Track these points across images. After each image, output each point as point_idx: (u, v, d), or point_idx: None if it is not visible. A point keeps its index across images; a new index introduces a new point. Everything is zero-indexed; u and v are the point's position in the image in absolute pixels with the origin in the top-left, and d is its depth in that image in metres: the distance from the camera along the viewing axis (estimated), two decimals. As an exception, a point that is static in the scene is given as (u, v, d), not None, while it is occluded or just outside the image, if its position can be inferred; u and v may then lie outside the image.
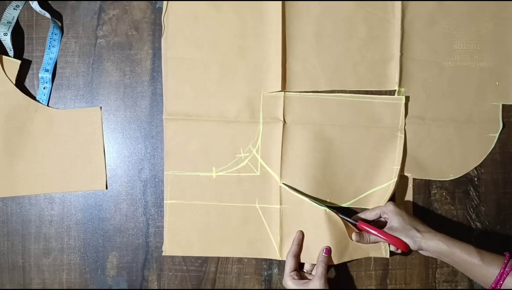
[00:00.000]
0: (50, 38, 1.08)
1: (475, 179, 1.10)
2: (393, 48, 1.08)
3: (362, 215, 1.06)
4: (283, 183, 1.07)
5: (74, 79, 1.09)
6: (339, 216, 1.03)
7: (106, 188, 1.09)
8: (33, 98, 1.08)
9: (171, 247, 1.08)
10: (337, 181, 1.08)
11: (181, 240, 1.08)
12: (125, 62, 1.09)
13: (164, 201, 1.08)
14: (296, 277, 1.01)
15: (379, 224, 1.04)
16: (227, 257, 1.09)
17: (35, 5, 1.06)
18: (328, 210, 1.03)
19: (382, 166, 1.07)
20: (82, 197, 1.09)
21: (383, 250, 1.05)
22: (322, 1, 1.08)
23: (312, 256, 1.03)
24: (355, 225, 1.03)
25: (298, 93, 1.07)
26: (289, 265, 1.02)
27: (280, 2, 1.06)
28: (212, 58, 1.07)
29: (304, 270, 1.05)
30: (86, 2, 1.09)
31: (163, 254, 1.08)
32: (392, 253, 1.06)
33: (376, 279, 1.10)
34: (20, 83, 1.08)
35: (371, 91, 1.08)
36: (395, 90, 1.08)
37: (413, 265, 1.09)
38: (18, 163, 1.07)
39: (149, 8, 1.09)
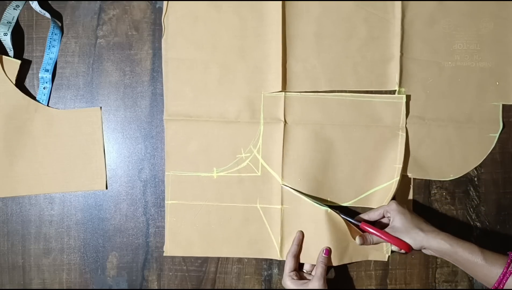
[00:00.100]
0: (50, 38, 1.08)
1: (475, 179, 1.10)
2: (393, 48, 1.08)
3: (365, 215, 1.05)
4: (284, 184, 1.07)
5: (74, 79, 1.09)
6: (342, 217, 1.03)
7: (106, 188, 1.09)
8: (33, 98, 1.08)
9: (172, 248, 1.08)
10: (338, 181, 1.08)
11: (182, 240, 1.08)
12: (125, 62, 1.09)
13: (165, 202, 1.08)
14: (295, 278, 1.01)
15: (381, 224, 1.04)
16: (227, 257, 1.09)
17: (35, 5, 1.06)
18: (329, 210, 1.03)
19: (383, 166, 1.07)
20: (82, 197, 1.09)
21: (384, 252, 1.05)
22: (322, 1, 1.08)
23: (312, 257, 1.03)
24: (357, 226, 1.03)
25: (298, 93, 1.07)
26: (289, 265, 1.02)
27: (280, 2, 1.06)
28: (212, 59, 1.07)
29: (304, 271, 1.05)
30: (86, 2, 1.09)
31: (164, 254, 1.08)
32: (393, 252, 1.06)
33: (376, 279, 1.10)
34: (20, 83, 1.08)
35: (371, 91, 1.08)
36: (395, 90, 1.08)
37: (413, 265, 1.09)
38: (18, 163, 1.07)
39: (149, 8, 1.09)
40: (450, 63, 1.09)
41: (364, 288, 1.10)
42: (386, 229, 1.00)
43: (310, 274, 1.03)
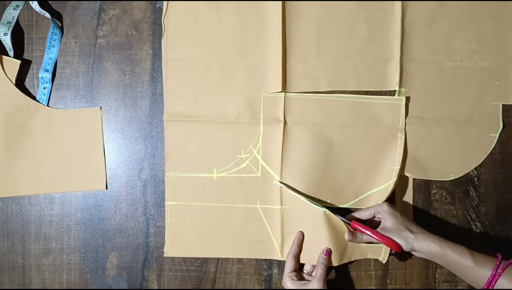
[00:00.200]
0: (50, 38, 1.08)
1: (475, 179, 1.10)
2: (393, 48, 1.08)
3: (356, 214, 1.05)
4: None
5: (74, 79, 1.09)
6: (333, 215, 1.03)
7: (106, 188, 1.09)
8: (33, 98, 1.08)
9: (172, 249, 1.08)
10: (338, 182, 1.08)
11: (182, 241, 1.08)
12: (125, 62, 1.09)
13: (165, 203, 1.08)
14: (295, 278, 1.01)
15: (373, 224, 1.04)
16: (227, 257, 1.09)
17: (35, 5, 1.06)
18: (327, 211, 1.02)
19: (383, 167, 1.07)
20: (82, 197, 1.09)
21: (382, 253, 1.04)
22: (322, 1, 1.08)
23: (312, 257, 1.03)
24: (349, 225, 1.03)
25: (298, 94, 1.07)
26: (289, 266, 1.02)
27: (280, 2, 1.06)
28: (212, 59, 1.07)
29: (304, 271, 1.05)
30: (86, 2, 1.09)
31: (165, 255, 1.08)
32: (391, 255, 1.06)
33: (376, 279, 1.10)
34: (20, 83, 1.08)
35: (371, 91, 1.08)
36: (396, 90, 1.08)
37: (413, 265, 1.09)
38: (18, 163, 1.07)
39: (149, 8, 1.09)
40: (450, 63, 1.09)
41: (364, 288, 1.10)
42: (377, 229, 1.00)
43: (311, 274, 1.03)
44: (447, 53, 1.09)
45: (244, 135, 1.07)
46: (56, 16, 1.09)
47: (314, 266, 1.03)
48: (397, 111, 1.07)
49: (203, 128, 1.07)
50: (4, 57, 1.07)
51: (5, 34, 1.06)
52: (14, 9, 1.07)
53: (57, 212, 1.09)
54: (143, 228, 1.09)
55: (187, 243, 1.08)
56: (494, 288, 0.91)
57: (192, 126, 1.07)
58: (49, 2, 1.09)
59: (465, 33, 1.09)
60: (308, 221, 1.05)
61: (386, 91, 1.08)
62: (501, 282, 0.91)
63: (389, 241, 0.98)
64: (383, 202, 1.04)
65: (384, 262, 1.04)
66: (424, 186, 1.10)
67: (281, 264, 1.09)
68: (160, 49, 1.08)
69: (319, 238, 1.03)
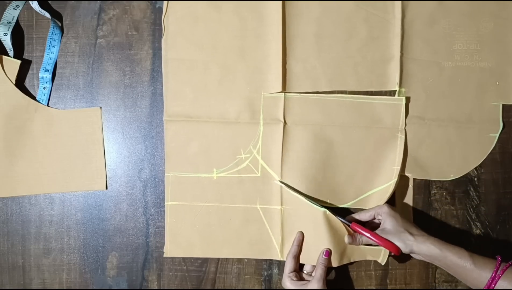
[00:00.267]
0: (50, 38, 1.08)
1: (475, 179, 1.10)
2: (393, 48, 1.08)
3: (356, 215, 1.05)
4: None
5: (74, 79, 1.09)
6: (334, 216, 1.03)
7: (106, 188, 1.09)
8: (33, 98, 1.08)
9: (172, 249, 1.08)
10: (338, 182, 1.08)
11: (182, 241, 1.08)
12: (125, 62, 1.09)
13: (165, 203, 1.08)
14: (295, 278, 1.01)
15: (373, 225, 1.04)
16: (227, 257, 1.09)
17: (35, 5, 1.06)
18: (327, 211, 1.02)
19: (383, 167, 1.07)
20: (82, 197, 1.09)
21: (381, 255, 1.04)
22: (322, 2, 1.08)
23: (312, 257, 1.03)
24: (349, 226, 1.03)
25: (298, 94, 1.07)
26: (289, 266, 1.02)
27: (280, 2, 1.06)
28: (212, 59, 1.07)
29: (304, 271, 1.05)
30: (86, 2, 1.09)
31: (164, 255, 1.08)
32: (390, 256, 1.06)
33: (376, 279, 1.10)
34: (20, 83, 1.08)
35: (372, 91, 1.08)
36: (396, 90, 1.08)
37: (413, 265, 1.09)
38: (18, 163, 1.07)
39: (149, 8, 1.09)
40: (450, 63, 1.09)
41: (364, 288, 1.10)
42: (377, 231, 1.00)
43: (310, 275, 1.03)
44: (447, 53, 1.09)
45: (244, 135, 1.07)
46: (56, 16, 1.09)
47: (314, 266, 1.03)
48: (397, 111, 1.07)
49: (203, 128, 1.07)
50: (4, 57, 1.07)
51: (5, 34, 1.06)
52: (14, 9, 1.07)
53: (57, 212, 1.09)
54: (143, 228, 1.09)
55: (187, 243, 1.08)
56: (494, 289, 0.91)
57: (192, 126, 1.07)
58: (49, 2, 1.09)
59: (465, 33, 1.09)
60: (308, 221, 1.05)
61: (386, 91, 1.08)
62: (501, 284, 0.91)
63: (388, 244, 0.98)
64: (383, 203, 1.04)
65: (383, 264, 1.04)
66: (424, 186, 1.10)
67: (281, 264, 1.09)
68: (160, 49, 1.08)
69: (319, 238, 1.03)
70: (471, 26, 1.09)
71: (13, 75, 1.07)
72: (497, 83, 1.09)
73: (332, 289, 1.08)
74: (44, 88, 1.08)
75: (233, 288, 1.09)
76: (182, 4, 1.07)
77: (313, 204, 1.04)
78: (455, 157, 1.09)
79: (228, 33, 1.08)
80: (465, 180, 1.10)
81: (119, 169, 1.09)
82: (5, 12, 1.07)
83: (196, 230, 1.08)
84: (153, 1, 1.09)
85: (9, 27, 1.07)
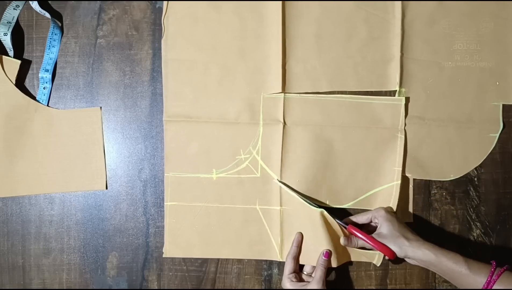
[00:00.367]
0: (50, 38, 1.08)
1: (475, 179, 1.10)
2: (393, 48, 1.08)
3: (353, 218, 1.05)
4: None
5: (74, 79, 1.09)
6: (331, 217, 1.03)
7: (106, 188, 1.09)
8: (33, 98, 1.08)
9: (171, 249, 1.08)
10: (338, 182, 1.08)
11: (181, 242, 1.08)
12: (125, 62, 1.09)
13: (165, 203, 1.08)
14: (294, 280, 1.01)
15: (369, 229, 1.05)
16: (227, 258, 1.09)
17: (35, 5, 1.06)
18: (325, 212, 1.02)
19: (383, 167, 1.07)
20: (82, 197, 1.09)
21: (376, 259, 1.04)
22: (322, 2, 1.08)
23: (311, 258, 1.03)
24: (345, 228, 1.03)
25: (298, 95, 1.07)
26: (288, 267, 1.02)
27: (280, 2, 1.06)
28: (212, 60, 1.07)
29: (304, 272, 1.04)
30: (86, 2, 1.09)
31: (164, 256, 1.08)
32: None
33: (376, 279, 1.10)
34: (20, 83, 1.08)
35: (372, 91, 1.08)
36: (396, 90, 1.08)
37: (413, 265, 1.08)
38: (18, 163, 1.07)
39: (149, 8, 1.09)
40: (450, 63, 1.09)
41: (364, 288, 1.10)
42: (373, 235, 1.00)
43: (310, 275, 1.03)
44: (447, 53, 1.09)
45: (244, 136, 1.07)
46: (56, 16, 1.09)
47: (313, 267, 1.02)
48: (396, 112, 1.07)
49: (202, 128, 1.07)
50: (4, 57, 1.07)
51: (5, 34, 1.06)
52: (14, 9, 1.07)
53: (57, 212, 1.09)
54: (143, 228, 1.09)
55: (187, 243, 1.08)
56: None
57: (192, 126, 1.07)
58: (49, 2, 1.09)
59: (465, 33, 1.09)
60: (306, 222, 1.04)
61: (386, 91, 1.08)
62: (496, 289, 0.91)
63: (383, 248, 0.98)
64: (380, 207, 1.04)
65: (378, 265, 1.04)
66: (424, 186, 1.10)
67: (281, 264, 1.09)
68: (160, 49, 1.08)
69: (317, 239, 1.02)
70: (471, 26, 1.09)
71: (13, 75, 1.07)
72: (497, 83, 1.09)
73: (332, 289, 1.08)
74: (44, 88, 1.08)
75: (233, 288, 1.09)
76: (182, 4, 1.07)
77: (308, 204, 1.04)
78: (455, 157, 1.09)
79: (228, 33, 1.08)
80: (465, 180, 1.10)
81: (119, 169, 1.09)
82: (5, 12, 1.07)
83: (195, 230, 1.08)
84: (153, 1, 1.09)
85: (9, 27, 1.07)
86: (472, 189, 1.10)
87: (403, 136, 1.07)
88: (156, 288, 1.09)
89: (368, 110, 1.07)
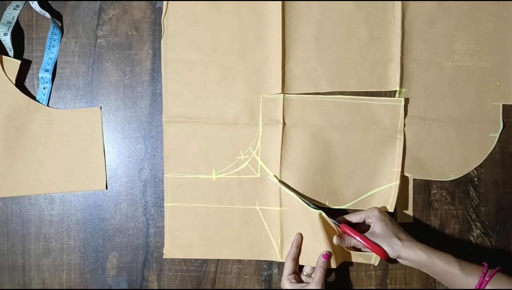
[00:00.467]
0: (50, 38, 1.08)
1: (475, 179, 1.10)
2: (393, 48, 1.08)
3: (347, 217, 1.05)
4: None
5: (74, 79, 1.09)
6: (324, 217, 1.03)
7: (106, 188, 1.09)
8: (33, 98, 1.08)
9: (171, 250, 1.08)
10: (337, 183, 1.08)
11: (181, 243, 1.08)
12: (125, 62, 1.09)
13: (164, 204, 1.08)
14: (293, 281, 1.01)
15: (362, 228, 1.05)
16: (227, 258, 1.09)
17: (35, 5, 1.06)
18: (323, 213, 1.02)
19: (382, 168, 1.07)
20: (82, 197, 1.09)
21: (373, 259, 1.04)
22: (322, 2, 1.08)
23: (311, 259, 1.03)
24: (338, 227, 1.03)
25: (297, 95, 1.07)
26: (288, 268, 1.02)
27: (280, 3, 1.06)
28: (212, 60, 1.07)
29: (304, 273, 1.04)
30: (86, 2, 1.09)
31: (164, 257, 1.08)
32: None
33: (376, 279, 1.10)
34: (20, 83, 1.08)
35: (372, 92, 1.08)
36: (396, 90, 1.08)
37: (413, 265, 1.09)
38: (18, 163, 1.08)
39: (149, 8, 1.09)
40: (450, 63, 1.09)
41: (364, 288, 1.10)
42: (366, 234, 1.00)
43: (310, 276, 1.03)
44: (447, 53, 1.09)
45: (243, 137, 1.07)
46: (56, 16, 1.09)
47: (313, 268, 1.02)
48: (396, 112, 1.07)
49: (202, 129, 1.07)
50: (4, 57, 1.07)
51: (5, 34, 1.06)
52: (14, 9, 1.07)
53: (57, 212, 1.09)
54: (143, 228, 1.09)
55: (187, 244, 1.08)
56: None
57: (191, 127, 1.07)
58: (49, 2, 1.09)
59: (465, 33, 1.09)
60: (306, 223, 1.04)
61: (386, 92, 1.08)
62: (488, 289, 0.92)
63: (375, 247, 0.98)
64: (374, 207, 1.05)
65: (376, 265, 1.04)
66: (424, 186, 1.10)
67: (281, 264, 1.09)
68: (160, 49, 1.08)
69: (317, 240, 1.02)
70: (471, 26, 1.09)
71: (13, 75, 1.07)
72: (497, 83, 1.09)
73: (332, 289, 1.08)
74: (44, 88, 1.08)
75: (233, 288, 1.10)
76: (182, 4, 1.07)
77: (308, 206, 1.04)
78: (455, 157, 1.09)
79: (228, 34, 1.07)
80: (465, 180, 1.10)
81: (119, 169, 1.09)
82: (5, 12, 1.07)
83: (195, 231, 1.08)
84: (153, 1, 1.09)
85: (9, 27, 1.07)
86: (472, 189, 1.10)
87: (402, 137, 1.07)
88: (156, 288, 1.09)
89: (367, 111, 1.07)
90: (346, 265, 1.09)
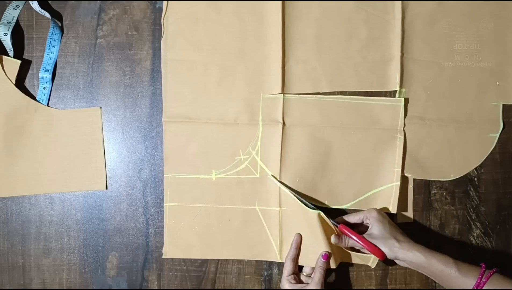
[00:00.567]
0: (50, 38, 1.08)
1: (475, 179, 1.10)
2: (393, 48, 1.08)
3: (345, 217, 1.05)
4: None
5: (74, 79, 1.09)
6: (322, 217, 1.03)
7: (106, 188, 1.09)
8: (33, 98, 1.08)
9: (171, 250, 1.08)
10: (337, 183, 1.08)
11: (181, 242, 1.08)
12: (125, 62, 1.09)
13: (164, 204, 1.08)
14: (293, 281, 1.01)
15: (361, 229, 1.04)
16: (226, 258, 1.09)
17: (35, 5, 1.06)
18: (322, 213, 1.02)
19: (382, 168, 1.07)
20: (82, 197, 1.09)
21: (371, 261, 1.04)
22: (322, 2, 1.08)
23: (310, 259, 1.03)
24: (337, 227, 1.03)
25: (297, 95, 1.07)
26: (287, 269, 1.02)
27: (280, 3, 1.06)
28: (212, 60, 1.07)
29: (304, 273, 1.04)
30: (86, 2, 1.09)
31: (163, 257, 1.08)
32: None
33: (376, 279, 1.10)
34: (20, 83, 1.08)
35: (372, 92, 1.08)
36: (396, 90, 1.07)
37: (413, 266, 1.09)
38: (18, 163, 1.07)
39: (149, 8, 1.09)
40: (450, 63, 1.09)
41: (364, 288, 1.10)
42: (364, 235, 1.00)
43: (310, 276, 1.03)
44: (447, 53, 1.09)
45: (243, 137, 1.07)
46: (56, 16, 1.09)
47: (313, 268, 1.02)
48: (396, 113, 1.07)
49: (202, 129, 1.07)
50: (4, 57, 1.07)
51: (5, 34, 1.06)
52: (14, 9, 1.07)
53: (57, 212, 1.09)
54: (143, 228, 1.09)
55: (186, 244, 1.08)
56: None
57: (191, 127, 1.07)
58: (49, 2, 1.09)
59: (465, 33, 1.09)
60: (305, 224, 1.04)
61: (386, 92, 1.08)
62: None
63: (373, 248, 0.98)
64: (372, 208, 1.04)
65: (373, 267, 1.04)
66: (424, 186, 1.10)
67: (281, 264, 1.08)
68: (160, 49, 1.08)
69: (316, 240, 1.02)
70: (471, 26, 1.09)
71: (13, 75, 1.07)
72: (497, 83, 1.09)
73: (332, 289, 1.08)
74: (44, 88, 1.08)
75: (233, 288, 1.10)
76: (182, 4, 1.07)
77: (307, 206, 1.04)
78: (455, 157, 1.09)
79: (227, 34, 1.07)
80: (465, 180, 1.10)
81: (119, 169, 1.09)
82: (5, 12, 1.07)
83: (195, 231, 1.08)
84: (153, 1, 1.09)
85: (9, 27, 1.07)
86: (472, 189, 1.10)
87: (402, 137, 1.07)
88: (156, 288, 1.09)
89: (367, 111, 1.07)
90: (345, 266, 1.09)
